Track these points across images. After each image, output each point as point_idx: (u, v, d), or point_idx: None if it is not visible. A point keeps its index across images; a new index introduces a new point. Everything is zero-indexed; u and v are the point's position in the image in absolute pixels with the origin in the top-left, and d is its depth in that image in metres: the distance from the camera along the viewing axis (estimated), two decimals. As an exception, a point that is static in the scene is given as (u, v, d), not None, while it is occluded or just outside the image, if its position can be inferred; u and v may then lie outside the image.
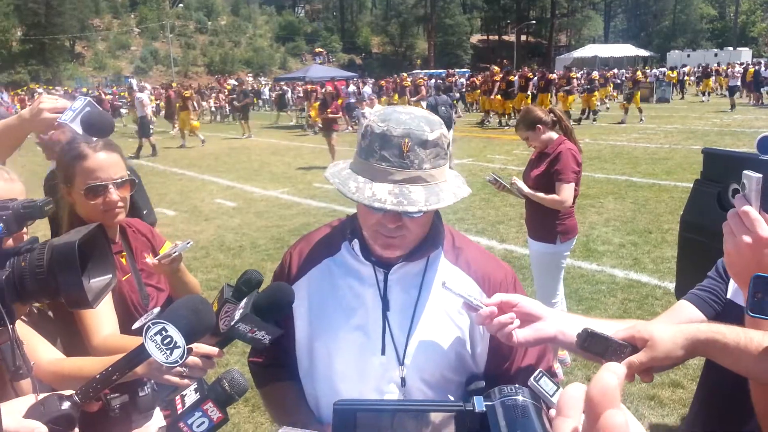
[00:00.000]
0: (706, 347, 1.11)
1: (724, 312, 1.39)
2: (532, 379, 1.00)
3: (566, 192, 3.83)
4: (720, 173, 2.59)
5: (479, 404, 0.79)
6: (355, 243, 1.39)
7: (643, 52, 56.18)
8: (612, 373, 0.57)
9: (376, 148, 1.23)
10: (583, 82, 22.43)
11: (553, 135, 3.98)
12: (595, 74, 22.72)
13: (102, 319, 1.79)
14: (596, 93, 21.05)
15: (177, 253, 1.93)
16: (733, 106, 22.84)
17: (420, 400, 1.35)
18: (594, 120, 20.29)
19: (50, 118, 1.75)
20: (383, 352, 1.35)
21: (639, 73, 24.06)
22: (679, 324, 1.29)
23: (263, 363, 1.57)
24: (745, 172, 1.13)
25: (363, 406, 0.87)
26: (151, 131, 17.11)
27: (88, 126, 1.70)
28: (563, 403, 0.61)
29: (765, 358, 1.06)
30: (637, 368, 1.09)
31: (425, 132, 1.23)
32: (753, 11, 69.63)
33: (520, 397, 0.78)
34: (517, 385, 0.80)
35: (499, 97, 20.69)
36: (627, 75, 25.59)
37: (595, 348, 1.09)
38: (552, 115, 4.01)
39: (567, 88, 19.82)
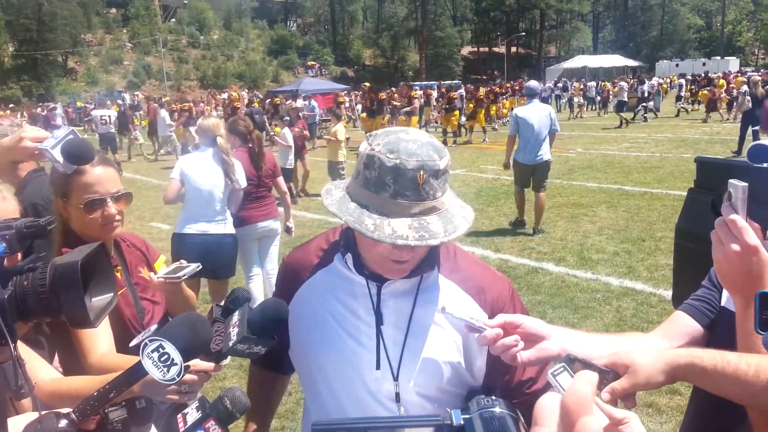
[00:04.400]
0: (686, 372, 1.12)
1: (718, 320, 1.40)
2: (550, 372, 0.99)
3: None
4: (713, 181, 2.61)
5: (457, 417, 0.80)
6: (349, 257, 1.38)
7: (632, 62, 56.75)
8: (585, 382, 0.58)
9: (388, 181, 1.19)
10: (441, 101, 21.90)
11: (237, 144, 5.13)
12: (455, 93, 21.61)
13: (98, 338, 1.78)
14: (456, 113, 19.66)
15: (185, 277, 1.93)
16: (622, 123, 21.57)
17: (399, 416, 1.33)
18: (449, 142, 18.67)
19: (30, 147, 1.76)
20: (378, 367, 1.34)
21: (482, 90, 22.90)
22: (669, 347, 1.30)
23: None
24: (731, 181, 1.15)
25: (341, 425, 0.87)
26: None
27: (68, 154, 1.70)
28: (538, 413, 0.62)
29: (741, 381, 1.08)
30: (620, 394, 1.10)
31: (437, 161, 1.21)
32: (739, 21, 70.57)
33: (497, 409, 0.78)
34: (493, 397, 0.81)
35: (364, 115, 20.80)
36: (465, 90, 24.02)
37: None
38: (251, 132, 5.19)
39: (407, 109, 19.04)
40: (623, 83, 25.95)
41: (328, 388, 1.40)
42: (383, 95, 20.88)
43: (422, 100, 21.79)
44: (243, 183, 4.73)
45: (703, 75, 27.27)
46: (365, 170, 1.23)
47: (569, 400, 0.55)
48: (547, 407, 0.60)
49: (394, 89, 27.15)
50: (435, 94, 25.72)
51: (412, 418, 1.28)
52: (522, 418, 0.80)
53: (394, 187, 1.18)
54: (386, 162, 1.19)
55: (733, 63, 48.98)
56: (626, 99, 23.24)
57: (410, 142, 1.21)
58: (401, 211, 1.19)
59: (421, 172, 1.18)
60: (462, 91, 24.05)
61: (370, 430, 0.87)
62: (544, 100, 28.22)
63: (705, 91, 23.83)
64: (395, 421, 0.91)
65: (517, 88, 26.04)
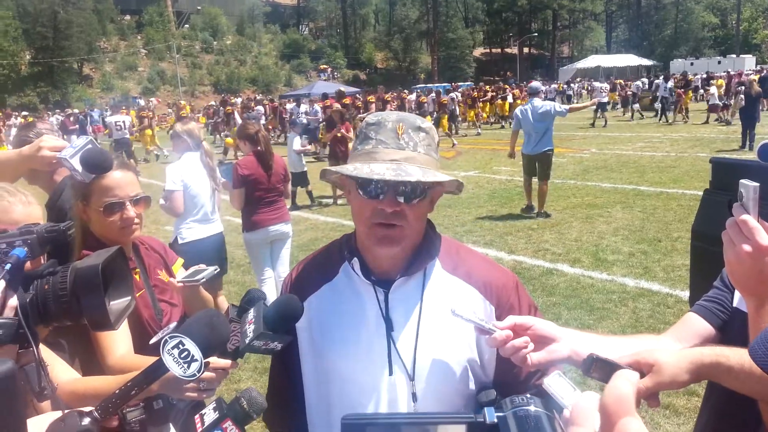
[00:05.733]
0: (711, 371, 1.11)
1: (731, 320, 1.39)
2: (546, 381, 0.99)
3: (232, 195, 5.13)
4: (729, 182, 2.58)
5: (491, 415, 0.79)
6: (355, 262, 1.38)
7: (646, 62, 56.27)
8: (626, 381, 0.58)
9: (371, 135, 1.31)
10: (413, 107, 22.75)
11: (248, 149, 5.20)
12: (425, 97, 22.37)
13: (117, 339, 1.81)
14: (428, 118, 19.81)
15: (204, 280, 1.95)
16: (597, 122, 22.65)
17: (430, 412, 1.33)
18: None
19: (49, 156, 1.78)
20: (390, 373, 1.35)
21: (444, 97, 23.15)
22: (684, 348, 1.29)
23: (272, 407, 1.58)
24: (742, 181, 1.14)
25: (372, 420, 0.87)
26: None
27: (88, 164, 1.72)
28: (577, 413, 0.62)
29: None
30: (644, 394, 1.09)
31: (417, 120, 1.34)
32: (755, 18, 69.65)
33: (532, 408, 0.78)
34: (528, 395, 0.80)
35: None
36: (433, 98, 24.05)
37: (599, 373, 1.08)
38: (257, 134, 5.24)
39: (363, 115, 18.40)
40: (601, 84, 26.99)
41: (341, 398, 1.40)
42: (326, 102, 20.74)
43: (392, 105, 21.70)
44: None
45: (680, 76, 27.19)
46: (356, 140, 1.37)
47: (609, 399, 0.55)
48: (585, 406, 0.60)
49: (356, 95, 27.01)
50: (413, 97, 26.26)
51: (444, 415, 1.27)
52: (558, 416, 0.79)
53: (376, 138, 1.31)
54: (370, 120, 1.35)
55: (749, 61, 48.35)
56: (606, 100, 24.30)
57: (395, 111, 1.39)
58: (381, 157, 1.28)
59: (401, 124, 1.31)
60: (433, 95, 24.69)
61: (402, 425, 0.87)
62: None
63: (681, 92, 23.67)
64: (427, 417, 0.90)
65: (505, 88, 27.70)
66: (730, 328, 1.38)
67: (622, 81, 32.63)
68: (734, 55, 52.34)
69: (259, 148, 5.15)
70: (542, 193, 9.00)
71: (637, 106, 25.74)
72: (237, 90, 56.33)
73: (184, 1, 71.95)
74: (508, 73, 63.87)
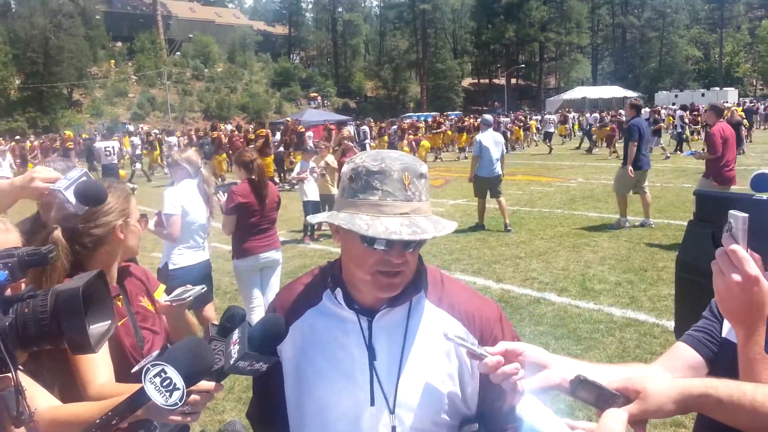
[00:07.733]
0: (699, 402, 1.10)
1: (720, 351, 1.39)
2: (519, 404, 0.99)
3: (224, 221, 5.12)
4: (712, 214, 2.63)
5: None
6: (338, 292, 1.38)
7: (631, 93, 57.26)
8: (616, 420, 0.58)
9: (376, 185, 1.25)
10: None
11: (243, 176, 5.18)
12: (346, 130, 21.47)
13: (98, 368, 1.78)
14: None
15: (191, 298, 1.94)
16: (550, 150, 25.16)
17: None
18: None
19: (41, 187, 1.78)
20: (372, 403, 1.33)
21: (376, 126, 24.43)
22: (674, 378, 1.28)
23: (258, 421, 1.58)
24: (731, 212, 1.16)
25: None
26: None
27: (82, 196, 1.72)
28: None
29: (758, 412, 1.06)
30: (629, 419, 1.09)
31: (418, 166, 1.30)
32: (737, 53, 71.53)
33: None
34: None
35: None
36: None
37: (586, 395, 1.07)
38: (253, 162, 5.18)
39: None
40: (551, 116, 29.80)
41: (320, 424, 1.39)
42: (214, 133, 20.34)
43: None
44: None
45: (613, 112, 28.92)
46: (351, 183, 1.29)
47: None
48: None
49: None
50: (351, 129, 23.32)
51: None
52: None
53: (383, 188, 1.25)
54: (372, 167, 1.27)
55: (731, 94, 49.46)
56: (552, 130, 27.15)
57: (390, 153, 1.33)
58: (391, 211, 1.24)
59: (406, 173, 1.26)
60: (366, 127, 25.35)
61: None
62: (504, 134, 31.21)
63: (606, 128, 24.17)
64: None
65: (463, 120, 29.22)
66: (718, 359, 1.38)
67: (574, 114, 35.48)
68: (717, 88, 53.58)
69: (253, 177, 5.14)
70: (503, 207, 10.31)
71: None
72: (227, 117, 56.50)
73: (176, 29, 72.61)
74: (496, 103, 64.78)
